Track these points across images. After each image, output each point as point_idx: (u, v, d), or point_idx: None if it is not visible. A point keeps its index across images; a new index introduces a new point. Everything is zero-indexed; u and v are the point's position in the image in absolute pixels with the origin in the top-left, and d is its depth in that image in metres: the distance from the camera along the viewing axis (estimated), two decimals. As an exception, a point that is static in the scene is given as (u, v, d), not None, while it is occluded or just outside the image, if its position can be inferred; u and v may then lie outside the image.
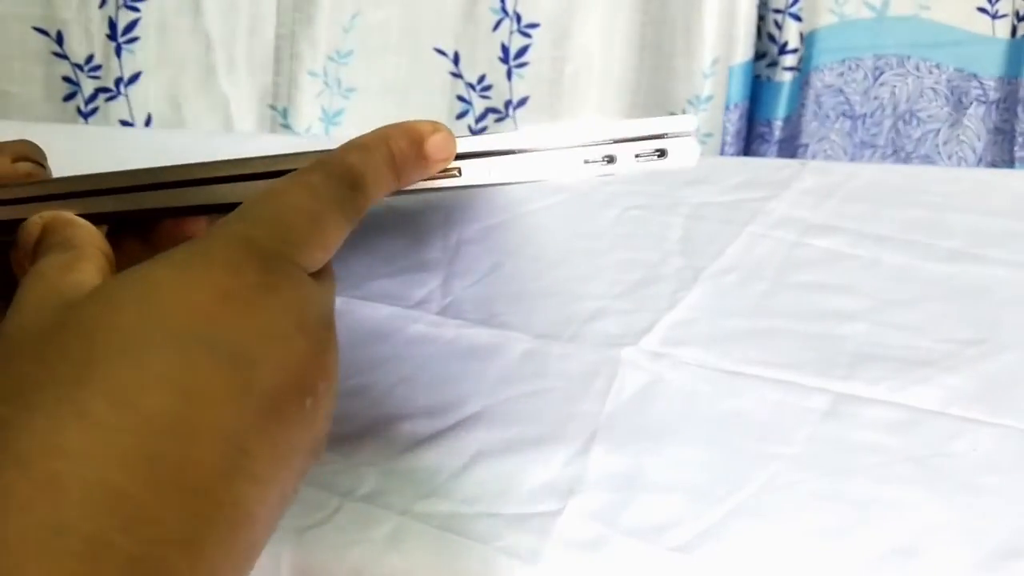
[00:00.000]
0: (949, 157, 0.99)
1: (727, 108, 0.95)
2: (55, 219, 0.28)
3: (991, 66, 0.96)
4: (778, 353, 0.41)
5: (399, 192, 0.30)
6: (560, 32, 0.93)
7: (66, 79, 0.91)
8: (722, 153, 0.96)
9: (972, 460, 0.36)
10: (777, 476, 0.35)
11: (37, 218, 0.28)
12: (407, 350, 0.42)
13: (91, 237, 0.27)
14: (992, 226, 0.50)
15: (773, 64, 0.96)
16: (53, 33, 0.90)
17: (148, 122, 0.92)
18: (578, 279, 0.47)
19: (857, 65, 0.97)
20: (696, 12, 0.91)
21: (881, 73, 0.98)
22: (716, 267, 0.47)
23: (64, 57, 0.90)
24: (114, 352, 0.21)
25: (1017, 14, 0.95)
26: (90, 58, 0.90)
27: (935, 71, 0.97)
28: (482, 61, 0.94)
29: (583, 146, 0.31)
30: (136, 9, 0.89)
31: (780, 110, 0.96)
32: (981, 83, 0.97)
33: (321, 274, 0.26)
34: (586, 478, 0.35)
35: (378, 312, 0.44)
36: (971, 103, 0.98)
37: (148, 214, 0.30)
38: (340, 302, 0.28)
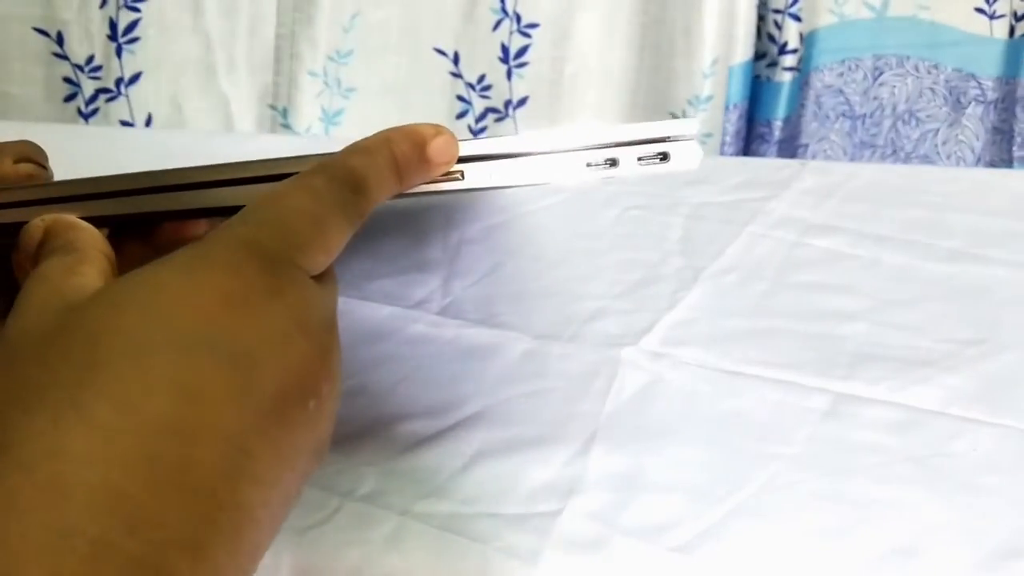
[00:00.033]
0: (948, 157, 0.99)
1: (727, 108, 0.95)
2: (57, 222, 0.28)
3: (989, 66, 0.97)
4: (778, 353, 0.41)
5: (401, 195, 0.30)
6: (560, 32, 0.94)
7: (67, 80, 0.91)
8: (721, 153, 0.96)
9: (972, 460, 0.36)
10: (777, 476, 0.35)
11: (39, 221, 0.28)
12: (407, 350, 0.42)
13: (93, 240, 0.27)
14: (992, 226, 0.50)
15: (773, 64, 0.96)
16: (53, 34, 0.90)
17: (148, 122, 0.92)
18: (578, 279, 0.47)
19: (857, 65, 0.97)
20: (696, 12, 0.91)
21: (881, 73, 0.98)
22: (716, 267, 0.47)
23: (64, 58, 0.90)
24: (117, 355, 0.22)
25: (1015, 14, 0.95)
26: (90, 59, 0.90)
27: (934, 71, 0.97)
28: (482, 61, 0.95)
29: (585, 149, 0.31)
30: (136, 10, 0.89)
31: (780, 110, 0.96)
32: (979, 83, 0.97)
33: (323, 277, 0.26)
34: (586, 478, 0.35)
35: (378, 312, 0.44)
36: (969, 103, 0.98)
37: (150, 217, 0.30)
38: (340, 302, 0.28)
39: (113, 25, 0.89)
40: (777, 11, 0.94)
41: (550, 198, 0.52)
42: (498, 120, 0.96)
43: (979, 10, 0.95)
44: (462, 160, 0.30)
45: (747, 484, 0.35)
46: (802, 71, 0.96)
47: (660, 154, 0.31)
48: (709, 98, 0.93)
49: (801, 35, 0.95)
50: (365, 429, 0.37)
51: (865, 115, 0.99)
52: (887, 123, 1.00)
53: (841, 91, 0.98)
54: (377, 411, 0.38)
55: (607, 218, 0.51)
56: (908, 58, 0.97)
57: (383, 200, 0.29)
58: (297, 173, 0.28)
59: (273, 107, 0.93)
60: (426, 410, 0.38)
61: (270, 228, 0.25)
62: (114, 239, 0.29)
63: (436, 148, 0.30)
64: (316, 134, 0.93)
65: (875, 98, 0.99)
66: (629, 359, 0.41)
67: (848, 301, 0.45)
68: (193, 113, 0.92)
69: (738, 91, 0.95)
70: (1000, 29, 0.96)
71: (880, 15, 0.96)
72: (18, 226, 0.28)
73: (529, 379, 0.40)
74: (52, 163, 0.33)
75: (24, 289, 0.25)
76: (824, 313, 0.44)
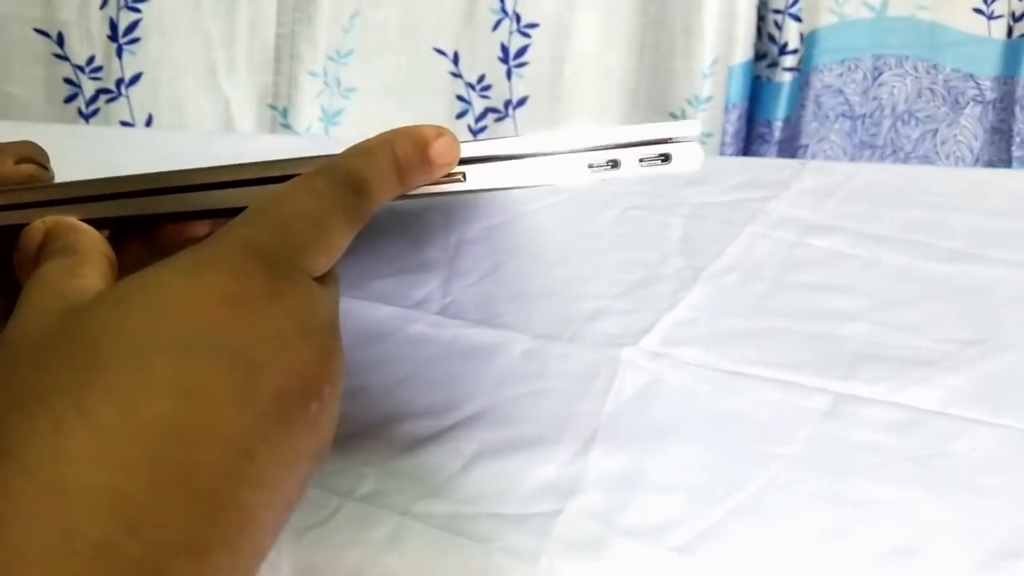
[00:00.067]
0: (947, 157, 0.99)
1: (726, 108, 0.95)
2: (57, 224, 0.28)
3: (987, 66, 0.97)
4: (778, 353, 0.41)
5: (403, 196, 0.30)
6: (560, 32, 0.94)
7: (67, 81, 0.91)
8: (721, 154, 0.96)
9: (972, 460, 0.36)
10: (777, 476, 0.35)
11: (39, 223, 0.28)
12: (407, 350, 0.42)
13: (94, 242, 0.27)
14: (992, 226, 0.50)
15: (773, 65, 0.96)
16: (54, 34, 0.90)
17: (149, 122, 0.92)
18: (578, 279, 0.47)
19: (856, 65, 0.97)
20: (696, 12, 0.91)
21: (880, 73, 0.98)
22: (716, 267, 0.47)
23: (65, 58, 0.90)
24: (119, 357, 0.22)
25: (1013, 15, 0.95)
26: (91, 59, 0.90)
27: (932, 71, 0.97)
28: (482, 61, 0.95)
29: (587, 151, 0.31)
30: (137, 10, 0.89)
31: (780, 111, 0.96)
32: (978, 83, 0.97)
33: (325, 279, 0.26)
34: (586, 478, 0.35)
35: (378, 312, 0.44)
36: (968, 103, 0.98)
37: (151, 219, 0.30)
38: (340, 303, 0.28)
39: (114, 26, 0.89)
40: (777, 11, 0.94)
41: (550, 198, 0.52)
42: (498, 120, 0.96)
43: (977, 10, 0.95)
44: (464, 161, 0.30)
45: (747, 484, 0.35)
46: (802, 71, 0.96)
47: (662, 155, 0.31)
48: (709, 98, 0.93)
49: (801, 35, 0.95)
50: (365, 429, 0.37)
51: (865, 115, 0.99)
52: (887, 123, 1.00)
53: (841, 91, 0.98)
54: (377, 411, 0.38)
55: (607, 218, 0.51)
56: (907, 58, 0.97)
57: (385, 202, 0.29)
58: (299, 175, 0.28)
59: (273, 107, 0.93)
60: (426, 410, 0.38)
61: (272, 230, 0.25)
62: (115, 241, 0.29)
63: (438, 150, 0.30)
64: (316, 134, 0.93)
65: (875, 98, 0.99)
66: (629, 359, 0.41)
67: (848, 301, 0.45)
68: (193, 113, 0.92)
69: (738, 91, 0.95)
70: (998, 29, 0.96)
71: (880, 15, 0.96)
72: (19, 228, 0.28)
73: (529, 379, 0.40)
74: (53, 163, 0.33)
75: (25, 291, 0.25)
76: (824, 313, 0.44)
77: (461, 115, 0.96)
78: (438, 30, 0.94)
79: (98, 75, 0.91)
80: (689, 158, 0.31)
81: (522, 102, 0.95)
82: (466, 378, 0.40)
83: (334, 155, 0.28)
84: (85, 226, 0.28)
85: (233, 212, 0.26)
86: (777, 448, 0.37)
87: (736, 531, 0.33)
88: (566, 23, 0.93)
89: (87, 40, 0.90)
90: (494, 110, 0.96)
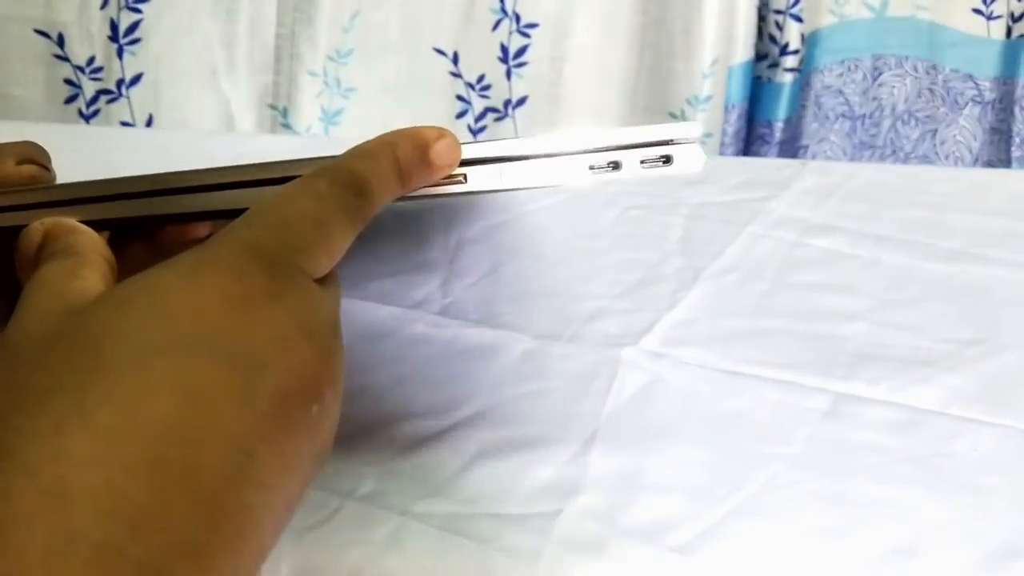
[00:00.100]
0: (946, 157, 0.99)
1: (726, 109, 0.95)
2: (56, 225, 0.28)
3: (987, 67, 0.97)
4: (778, 353, 0.41)
5: (404, 198, 0.30)
6: (559, 32, 0.94)
7: (67, 81, 0.91)
8: (720, 154, 0.96)
9: (972, 460, 0.36)
10: (777, 476, 0.35)
11: (38, 224, 0.28)
12: (407, 350, 0.42)
13: (93, 244, 0.27)
14: (992, 226, 0.50)
15: (774, 65, 0.96)
16: (54, 35, 0.90)
17: (149, 123, 0.92)
18: (578, 279, 0.47)
19: (856, 66, 0.97)
20: (696, 12, 0.91)
21: (880, 74, 0.98)
22: (716, 267, 0.48)
23: (65, 59, 0.90)
24: (119, 358, 0.21)
25: (1012, 15, 0.95)
26: (91, 60, 0.90)
27: (932, 72, 0.97)
28: (481, 61, 0.95)
29: (588, 152, 0.31)
30: (138, 11, 0.89)
31: (781, 111, 0.96)
32: (977, 84, 0.97)
33: (327, 280, 0.26)
34: (586, 478, 0.35)
35: (378, 312, 0.44)
36: (967, 103, 0.98)
37: (151, 220, 0.30)
38: (340, 303, 0.28)
39: (114, 26, 0.89)
40: (778, 11, 0.94)
41: (550, 198, 0.52)
42: (498, 120, 0.96)
43: (976, 11, 0.95)
44: (464, 163, 0.30)
45: (747, 484, 0.35)
46: (803, 72, 0.96)
47: (663, 157, 0.31)
48: (708, 98, 0.93)
49: (802, 36, 0.95)
50: (365, 429, 0.37)
51: (865, 115, 0.99)
52: (886, 123, 1.00)
53: (841, 91, 0.98)
54: (377, 411, 0.38)
55: (607, 218, 0.52)
56: (907, 58, 0.97)
57: (386, 203, 0.29)
58: (300, 176, 0.28)
59: (273, 107, 0.93)
60: (426, 410, 0.38)
61: (273, 231, 0.25)
62: (116, 242, 0.29)
63: (439, 151, 0.30)
64: (316, 134, 0.93)
65: (874, 98, 0.99)
66: (629, 359, 0.41)
67: (848, 301, 0.45)
68: (194, 113, 0.92)
69: (738, 91, 0.95)
70: (997, 30, 0.96)
71: (880, 15, 0.96)
72: (19, 229, 0.28)
73: (529, 379, 0.40)
74: (53, 164, 0.33)
75: (25, 293, 0.25)
76: (824, 313, 0.44)
77: (461, 115, 0.96)
78: (438, 30, 0.94)
79: (98, 76, 0.91)
80: (690, 160, 0.31)
81: (522, 102, 0.95)
82: (466, 378, 0.40)
83: (335, 157, 0.28)
84: (84, 227, 0.28)
85: (234, 213, 0.26)
86: (777, 448, 0.37)
87: (736, 531, 0.33)
88: (566, 23, 0.93)
89: (87, 41, 0.90)
90: (494, 110, 0.96)
